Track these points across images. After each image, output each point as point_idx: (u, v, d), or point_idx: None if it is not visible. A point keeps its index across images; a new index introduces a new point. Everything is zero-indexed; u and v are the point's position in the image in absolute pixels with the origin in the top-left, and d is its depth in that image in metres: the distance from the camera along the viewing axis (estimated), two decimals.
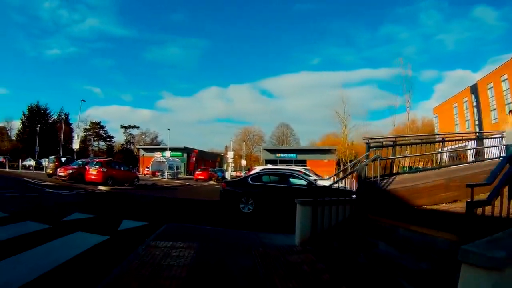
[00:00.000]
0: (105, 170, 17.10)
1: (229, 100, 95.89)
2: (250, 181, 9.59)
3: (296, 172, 11.34)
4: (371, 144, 6.43)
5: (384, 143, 6.73)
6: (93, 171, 16.99)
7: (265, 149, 54.94)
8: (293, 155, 50.43)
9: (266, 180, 9.66)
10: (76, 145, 27.04)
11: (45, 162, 32.50)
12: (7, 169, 28.17)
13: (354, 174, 6.55)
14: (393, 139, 7.14)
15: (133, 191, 16.01)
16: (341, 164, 46.16)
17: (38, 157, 36.25)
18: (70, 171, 17.90)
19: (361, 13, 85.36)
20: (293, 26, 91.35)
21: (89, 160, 19.70)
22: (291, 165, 34.17)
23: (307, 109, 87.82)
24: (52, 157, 22.52)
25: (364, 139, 6.76)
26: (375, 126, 54.23)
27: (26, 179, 18.24)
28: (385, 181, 6.15)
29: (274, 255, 4.27)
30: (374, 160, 6.10)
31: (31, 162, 33.81)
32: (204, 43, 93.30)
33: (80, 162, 19.08)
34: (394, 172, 6.56)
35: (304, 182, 9.11)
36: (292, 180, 9.62)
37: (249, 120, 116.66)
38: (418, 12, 77.09)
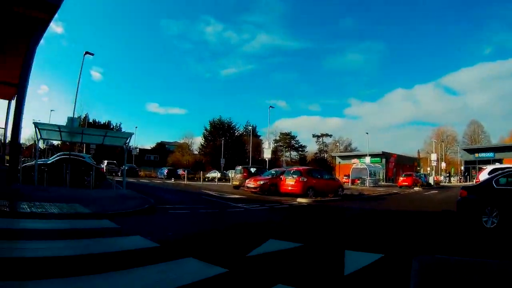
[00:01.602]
0: (305, 179, 13.97)
1: (416, 102, 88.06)
2: (495, 185, 7.30)
3: None
4: None
5: None
6: (290, 181, 14.15)
7: (464, 149, 50.98)
8: (490, 154, 44.12)
9: (503, 183, 7.37)
10: (267, 154, 25.43)
11: (231, 173, 32.21)
12: (184, 182, 27.41)
13: None
14: None
15: (339, 203, 13.21)
16: None
17: (223, 169, 37.17)
18: (262, 182, 15.16)
19: None
20: (455, 17, 77.32)
21: (285, 169, 16.70)
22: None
23: (489, 103, 76.08)
24: (239, 167, 20.64)
25: None
26: None
27: (206, 191, 16.46)
28: None
29: None
30: None
31: (216, 174, 33.86)
32: (380, 46, 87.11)
33: (273, 172, 16.52)
34: None
35: None
36: None
37: (437, 121, 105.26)
38: None
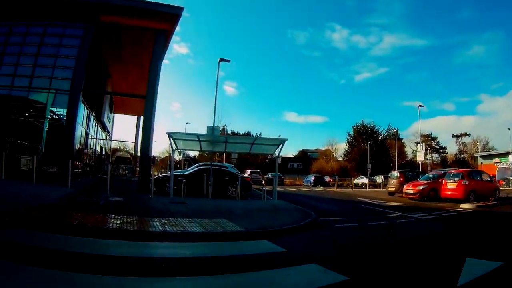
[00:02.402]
0: (466, 182, 13.86)
1: None
2: None
3: None
4: None
5: None
6: (451, 185, 14.25)
7: None
8: None
9: None
10: (420, 157, 25.17)
11: (379, 178, 33.22)
12: (334, 189, 26.68)
13: None
14: None
15: (503, 208, 12.14)
16: None
17: (370, 174, 36.59)
18: (421, 187, 15.49)
19: None
20: None
21: (443, 171, 16.80)
22: None
23: None
24: (395, 172, 20.62)
25: None
26: None
27: (361, 199, 16.10)
28: None
29: None
30: None
31: (364, 180, 33.50)
32: (499, 34, 74.11)
33: (431, 176, 16.62)
34: None
35: None
36: None
37: None
38: None
